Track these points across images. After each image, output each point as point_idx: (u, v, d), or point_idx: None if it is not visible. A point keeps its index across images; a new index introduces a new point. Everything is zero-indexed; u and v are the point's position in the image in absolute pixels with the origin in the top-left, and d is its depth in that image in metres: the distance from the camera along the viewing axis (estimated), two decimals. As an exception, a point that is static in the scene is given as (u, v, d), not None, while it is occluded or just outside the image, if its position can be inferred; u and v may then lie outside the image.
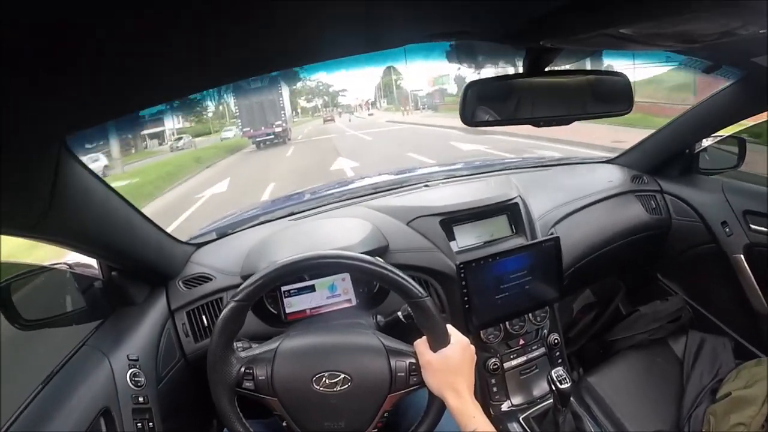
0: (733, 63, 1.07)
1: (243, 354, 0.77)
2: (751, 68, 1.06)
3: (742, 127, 1.54)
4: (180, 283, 1.06)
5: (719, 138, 1.45)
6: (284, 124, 15.67)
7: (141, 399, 0.82)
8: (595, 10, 0.55)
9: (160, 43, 0.39)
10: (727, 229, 1.37)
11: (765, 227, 1.28)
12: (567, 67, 0.89)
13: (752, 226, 1.32)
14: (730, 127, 1.39)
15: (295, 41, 0.50)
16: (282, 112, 15.81)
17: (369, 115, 30.90)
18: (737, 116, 1.32)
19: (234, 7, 0.35)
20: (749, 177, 1.49)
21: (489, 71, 0.82)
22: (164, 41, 0.39)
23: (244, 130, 15.94)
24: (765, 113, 1.39)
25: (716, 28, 0.64)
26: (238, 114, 16.28)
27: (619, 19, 0.56)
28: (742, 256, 1.34)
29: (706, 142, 1.48)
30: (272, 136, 15.49)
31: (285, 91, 16.74)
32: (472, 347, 0.78)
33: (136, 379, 0.83)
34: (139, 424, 0.80)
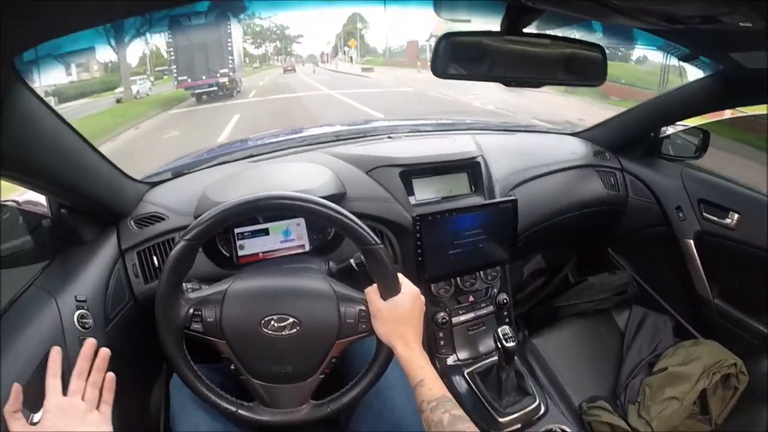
0: (710, 55, 1.08)
1: (192, 295, 0.76)
2: (727, 63, 1.07)
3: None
4: (131, 222, 1.03)
5: (685, 127, 1.49)
6: (232, 73, 12.43)
7: None
8: None
9: None
10: (681, 214, 1.41)
11: (717, 217, 1.33)
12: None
13: (705, 215, 1.36)
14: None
15: None
16: (230, 57, 12.42)
17: (364, 70, 20.83)
18: (706, 108, 1.35)
19: None
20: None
21: (470, 26, 0.82)
22: None
23: (180, 79, 12.17)
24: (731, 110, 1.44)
25: (700, 10, 0.64)
26: (172, 58, 12.29)
27: None
28: (692, 241, 1.39)
29: (671, 129, 1.51)
30: (215, 88, 12.24)
31: (236, 30, 13.25)
32: (423, 298, 0.79)
33: (83, 320, 0.80)
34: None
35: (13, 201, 0.93)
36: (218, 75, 12.23)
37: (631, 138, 1.56)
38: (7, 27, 0.45)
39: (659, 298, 1.54)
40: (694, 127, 1.47)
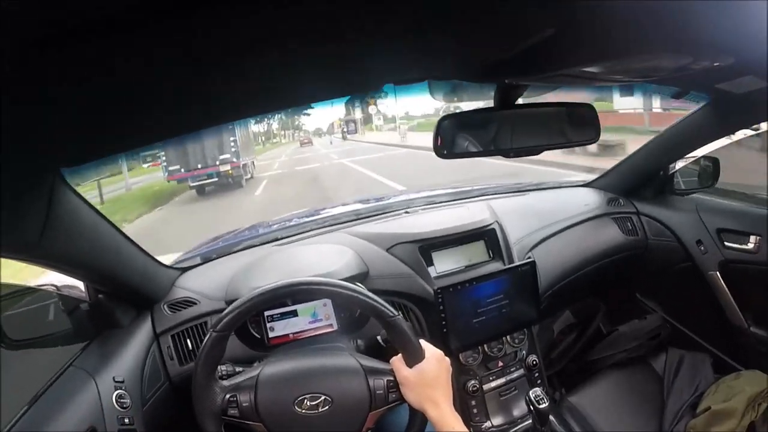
0: (699, 89, 1.11)
1: (226, 383, 0.79)
2: (716, 94, 1.10)
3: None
4: (165, 306, 1.07)
5: (693, 158, 1.48)
6: (235, 159, 10.29)
7: (126, 420, 0.83)
8: (553, 55, 0.59)
9: (157, 83, 0.41)
10: (702, 248, 1.40)
11: (738, 243, 1.32)
12: (537, 100, 0.93)
13: (726, 244, 1.35)
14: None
15: (269, 90, 0.53)
16: (231, 139, 10.25)
17: None
18: (708, 138, 1.35)
19: (226, 51, 0.37)
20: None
21: (466, 105, 0.87)
22: (163, 81, 0.41)
23: (171, 169, 10.19)
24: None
25: (670, 64, 0.68)
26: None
27: (575, 63, 0.60)
28: (717, 273, 1.37)
29: (679, 164, 1.51)
30: (215, 178, 10.20)
31: None
32: (447, 359, 0.81)
33: (122, 400, 0.84)
34: None
35: (52, 285, 0.98)
36: (218, 163, 10.17)
37: (641, 179, 1.56)
38: (51, 146, 0.50)
39: (694, 336, 1.51)
40: (702, 157, 1.46)
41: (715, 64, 0.69)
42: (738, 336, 1.37)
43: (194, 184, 10.33)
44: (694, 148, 1.42)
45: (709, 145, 1.40)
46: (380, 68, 0.59)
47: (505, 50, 0.57)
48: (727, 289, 1.37)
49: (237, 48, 0.38)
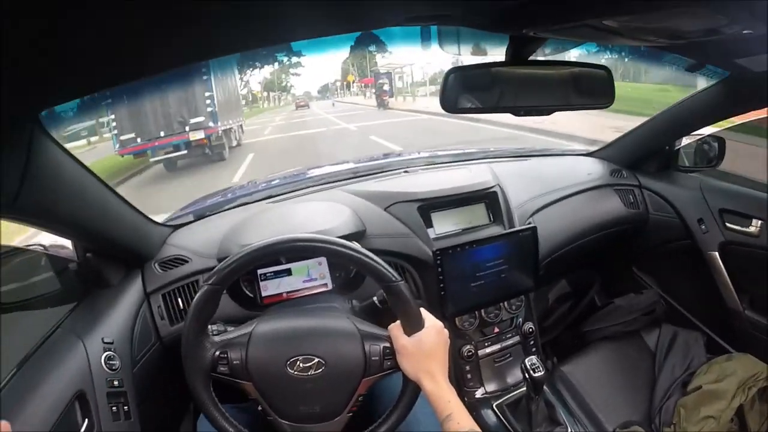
0: (716, 63, 1.08)
1: (217, 338, 0.76)
2: (733, 69, 1.07)
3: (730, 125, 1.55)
4: (156, 265, 1.04)
5: (699, 136, 1.46)
6: (212, 123, 7.64)
7: (116, 382, 0.81)
8: (576, 1, 0.55)
9: (130, 17, 0.37)
10: (703, 227, 1.38)
11: (740, 226, 1.30)
12: (550, 58, 0.89)
13: (728, 225, 1.33)
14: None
15: (267, 19, 0.49)
16: (207, 96, 7.65)
17: None
18: (718, 116, 1.33)
19: None
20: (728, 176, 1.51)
21: (472, 59, 0.83)
22: (136, 15, 0.37)
23: (123, 139, 7.38)
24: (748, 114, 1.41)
25: (701, 25, 0.64)
26: (108, 101, 7.21)
27: (602, 10, 0.56)
28: (717, 253, 1.36)
29: (686, 140, 1.49)
30: (183, 150, 7.62)
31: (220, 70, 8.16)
32: (446, 331, 0.78)
33: (110, 362, 0.82)
34: (114, 408, 0.79)
35: (40, 245, 0.95)
36: (187, 129, 7.49)
37: (646, 153, 1.54)
38: (28, 88, 0.47)
39: (688, 315, 1.51)
40: (708, 136, 1.44)
41: (745, 32, 0.66)
42: (732, 318, 1.37)
43: (156, 158, 7.71)
44: (703, 126, 1.40)
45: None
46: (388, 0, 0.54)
47: None
48: (725, 270, 1.36)
49: None
